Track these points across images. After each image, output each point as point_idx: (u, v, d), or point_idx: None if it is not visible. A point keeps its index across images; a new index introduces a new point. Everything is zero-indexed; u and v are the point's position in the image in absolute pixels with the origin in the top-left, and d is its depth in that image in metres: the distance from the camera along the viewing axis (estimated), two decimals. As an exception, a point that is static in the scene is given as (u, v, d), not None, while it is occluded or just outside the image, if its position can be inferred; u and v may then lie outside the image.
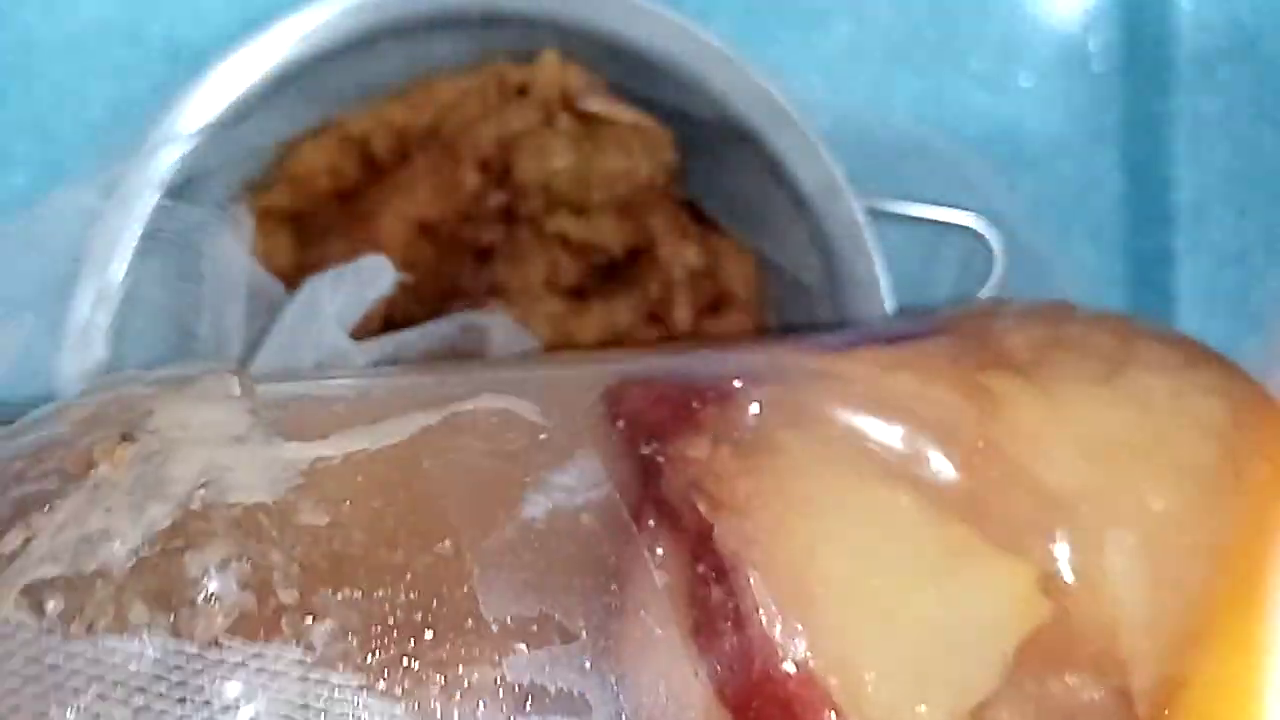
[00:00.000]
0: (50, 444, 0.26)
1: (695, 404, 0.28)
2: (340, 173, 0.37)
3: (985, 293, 0.39)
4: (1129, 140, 0.42)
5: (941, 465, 0.28)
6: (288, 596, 0.24)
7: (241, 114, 0.35)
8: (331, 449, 0.26)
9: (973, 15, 0.42)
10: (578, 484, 0.26)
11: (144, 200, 0.34)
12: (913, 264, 0.39)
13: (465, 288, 0.37)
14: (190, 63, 0.36)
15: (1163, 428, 0.29)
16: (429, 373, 0.32)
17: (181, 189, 0.35)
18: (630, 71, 0.37)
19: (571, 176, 0.37)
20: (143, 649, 0.24)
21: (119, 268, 0.34)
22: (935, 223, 0.39)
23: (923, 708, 0.26)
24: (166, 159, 0.34)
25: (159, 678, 0.24)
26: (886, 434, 0.28)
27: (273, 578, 0.25)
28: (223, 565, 0.25)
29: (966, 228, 0.39)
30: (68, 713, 0.24)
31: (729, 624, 0.26)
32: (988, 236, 0.39)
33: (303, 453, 0.26)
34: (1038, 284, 0.40)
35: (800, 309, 0.38)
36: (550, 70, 0.37)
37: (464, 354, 0.34)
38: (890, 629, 0.26)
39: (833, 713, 0.25)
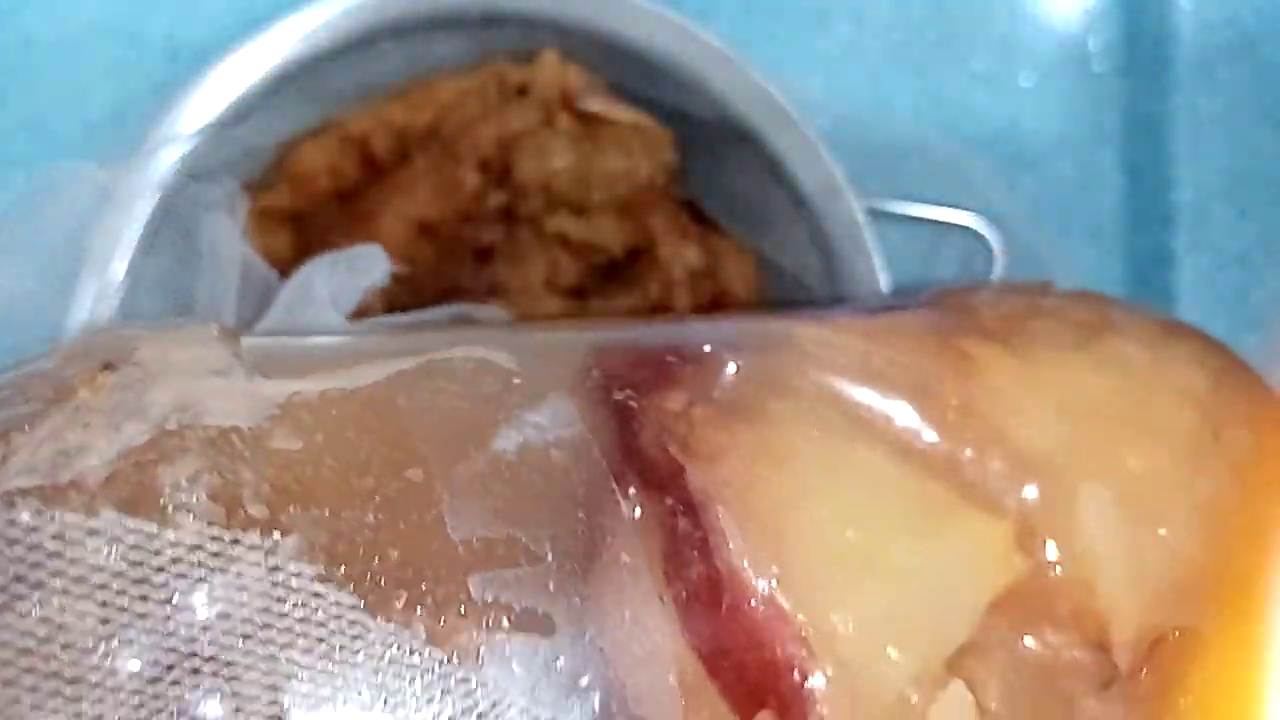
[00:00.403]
0: (36, 375, 0.27)
1: (672, 359, 0.28)
2: (340, 173, 0.37)
3: (985, 292, 0.39)
4: (1129, 140, 0.42)
5: (919, 425, 0.28)
6: (257, 511, 0.25)
7: (241, 114, 0.35)
8: (309, 385, 0.27)
9: (973, 15, 0.42)
10: (549, 423, 0.27)
11: (144, 200, 0.34)
12: (913, 264, 0.39)
13: (465, 288, 0.37)
14: (190, 63, 0.36)
15: (1140, 392, 0.29)
16: (412, 332, 0.32)
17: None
18: (630, 71, 0.37)
19: (571, 176, 0.37)
20: (111, 550, 0.24)
21: (119, 267, 0.34)
22: (935, 223, 0.39)
23: (893, 651, 0.26)
24: (166, 159, 0.34)
25: (123, 574, 0.24)
26: (865, 395, 0.28)
27: (242, 494, 0.25)
28: (194, 478, 0.25)
29: (966, 228, 0.39)
30: (35, 602, 0.24)
31: (695, 553, 0.26)
32: (988, 236, 0.39)
33: (280, 388, 0.27)
34: (1038, 284, 0.40)
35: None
36: (550, 70, 0.37)
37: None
38: (865, 577, 0.26)
39: (804, 649, 0.25)
